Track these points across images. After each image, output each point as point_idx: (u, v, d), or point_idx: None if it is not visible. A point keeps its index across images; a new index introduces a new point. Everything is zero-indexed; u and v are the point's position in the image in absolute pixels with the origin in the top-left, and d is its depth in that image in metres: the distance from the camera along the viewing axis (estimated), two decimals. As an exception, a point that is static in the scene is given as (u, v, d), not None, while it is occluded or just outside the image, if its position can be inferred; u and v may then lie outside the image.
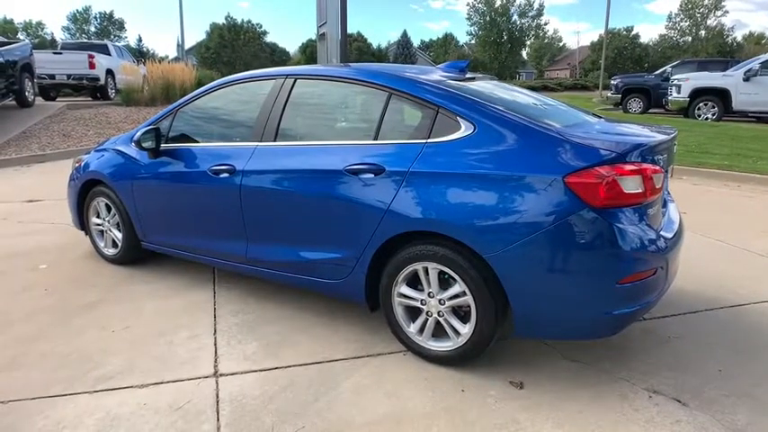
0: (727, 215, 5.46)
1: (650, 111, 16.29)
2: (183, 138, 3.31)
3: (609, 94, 18.35)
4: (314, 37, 61.71)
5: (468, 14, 56.65)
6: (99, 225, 3.86)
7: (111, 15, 55.41)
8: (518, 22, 55.19)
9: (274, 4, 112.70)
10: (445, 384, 2.38)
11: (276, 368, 2.50)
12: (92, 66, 13.57)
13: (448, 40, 68.82)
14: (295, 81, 2.91)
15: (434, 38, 74.83)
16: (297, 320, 2.98)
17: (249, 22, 51.60)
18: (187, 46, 54.47)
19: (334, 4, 12.09)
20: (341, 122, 2.89)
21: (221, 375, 2.44)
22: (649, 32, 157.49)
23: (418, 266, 2.44)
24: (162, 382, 2.39)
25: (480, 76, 3.12)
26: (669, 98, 14.71)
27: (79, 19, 53.53)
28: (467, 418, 2.15)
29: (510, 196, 2.20)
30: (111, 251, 3.83)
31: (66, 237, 4.38)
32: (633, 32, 58.84)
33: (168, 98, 14.40)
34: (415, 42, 68.46)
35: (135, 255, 3.72)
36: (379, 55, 58.22)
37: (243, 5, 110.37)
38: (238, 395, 2.29)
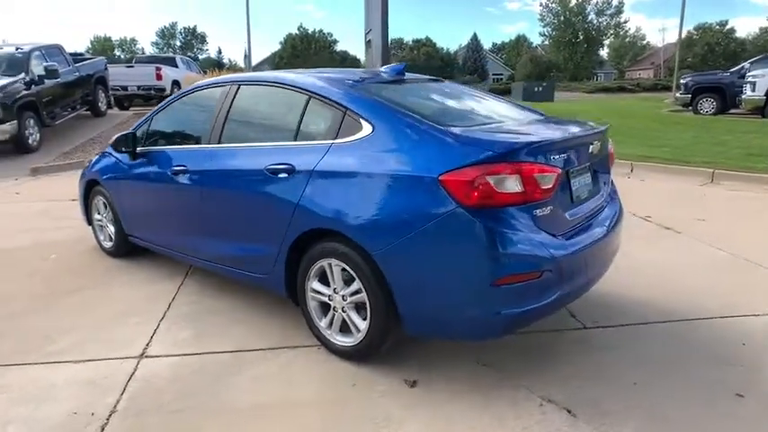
0: (749, 223, 5.01)
1: (729, 112, 14.96)
2: (156, 141, 3.62)
3: (677, 95, 17.15)
4: (384, 44, 62.76)
5: (540, 15, 55.00)
6: (99, 221, 4.28)
7: (194, 30, 59.74)
8: (595, 21, 52.82)
9: (346, 13, 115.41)
10: (340, 377, 2.45)
11: (195, 354, 2.69)
12: (159, 77, 14.74)
13: (520, 41, 67.18)
14: (239, 87, 3.11)
15: (508, 40, 73.30)
16: (240, 312, 3.17)
17: (321, 31, 53.39)
18: (263, 56, 57.38)
19: (377, 11, 12.33)
20: (270, 125, 3.04)
21: (146, 357, 2.67)
22: (748, 26, 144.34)
23: (325, 263, 2.54)
24: (95, 360, 2.65)
25: (416, 77, 3.17)
26: (743, 97, 13.54)
27: (166, 34, 58.16)
28: (344, 410, 2.22)
29: (393, 195, 2.25)
30: (108, 244, 4.24)
31: (85, 232, 4.87)
32: (728, 26, 54.42)
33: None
34: (487, 45, 67.62)
35: (127, 248, 4.08)
36: (447, 59, 58.00)
37: (317, 16, 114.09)
38: (150, 375, 2.50)
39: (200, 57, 58.68)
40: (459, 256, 2.14)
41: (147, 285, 3.63)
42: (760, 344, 2.71)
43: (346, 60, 64.26)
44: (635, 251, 4.19)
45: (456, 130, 2.30)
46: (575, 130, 2.59)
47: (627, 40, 63.80)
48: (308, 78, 2.83)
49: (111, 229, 4.13)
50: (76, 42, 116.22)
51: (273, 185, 2.67)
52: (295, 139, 2.72)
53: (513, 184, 2.10)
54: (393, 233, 2.23)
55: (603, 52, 60.99)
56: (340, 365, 2.55)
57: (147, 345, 2.79)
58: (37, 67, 9.80)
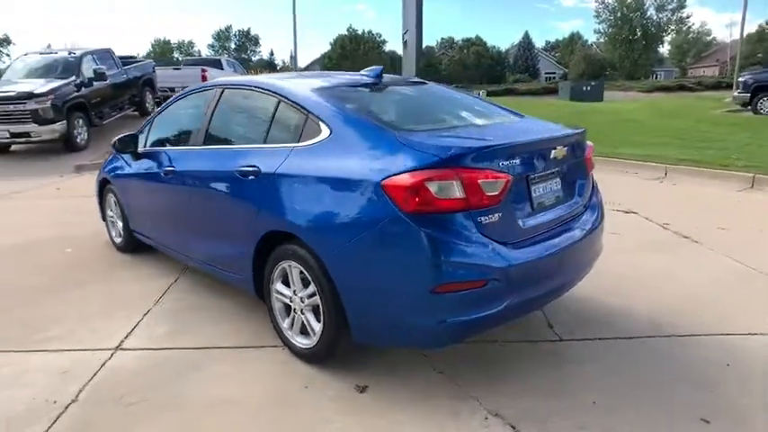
0: (781, 234, 4.65)
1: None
2: (154, 142, 3.77)
3: (735, 93, 16.08)
4: (432, 44, 62.28)
5: (596, 11, 53.05)
6: (111, 217, 4.51)
7: (248, 32, 61.56)
8: (655, 17, 50.39)
9: (398, 13, 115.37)
10: (294, 379, 2.47)
11: (166, 348, 2.79)
12: (203, 79, 15.21)
13: (574, 39, 65.02)
14: (222, 91, 3.19)
15: (561, 38, 71.14)
16: (220, 310, 3.24)
17: (370, 32, 53.70)
18: (313, 57, 58.43)
19: (412, 13, 12.33)
20: (246, 127, 3.10)
21: (119, 350, 2.79)
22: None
23: (285, 265, 2.56)
24: (73, 350, 2.79)
25: (395, 80, 3.15)
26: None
27: (222, 37, 60.31)
28: (286, 412, 2.24)
29: (341, 199, 2.25)
30: (118, 240, 4.45)
31: (103, 228, 5.12)
32: (804, 20, 50.49)
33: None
34: (540, 43, 65.95)
35: (134, 243, 4.27)
36: (497, 58, 56.99)
37: (369, 16, 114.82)
38: (118, 367, 2.61)
39: (254, 58, 60.54)
40: (400, 262, 2.10)
41: (145, 281, 3.78)
42: (746, 366, 2.51)
43: (395, 61, 64.40)
44: (642, 260, 4.00)
45: (406, 135, 2.26)
46: (537, 134, 2.49)
47: (690, 36, 60.39)
48: (280, 82, 2.87)
49: (120, 225, 4.33)
50: (140, 45, 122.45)
51: (243, 187, 2.72)
52: (265, 142, 2.76)
53: (453, 191, 2.05)
54: (340, 237, 2.23)
55: (663, 49, 58.17)
56: (299, 367, 2.57)
57: (125, 338, 2.91)
58: (87, 71, 10.43)
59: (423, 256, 2.04)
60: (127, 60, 13.07)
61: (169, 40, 59.60)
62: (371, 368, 2.54)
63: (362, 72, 3.19)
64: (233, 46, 61.00)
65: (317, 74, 3.24)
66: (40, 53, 11.06)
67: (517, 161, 2.24)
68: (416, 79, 3.38)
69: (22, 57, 11.15)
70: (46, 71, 10.37)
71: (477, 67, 55.11)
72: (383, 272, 2.15)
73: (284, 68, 44.98)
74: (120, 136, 3.81)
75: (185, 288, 3.63)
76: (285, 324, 2.67)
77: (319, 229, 2.30)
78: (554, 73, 57.07)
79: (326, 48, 56.17)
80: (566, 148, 2.48)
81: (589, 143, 2.86)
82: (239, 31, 61.66)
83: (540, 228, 2.37)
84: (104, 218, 4.66)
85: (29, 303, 3.42)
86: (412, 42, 12.69)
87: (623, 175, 7.55)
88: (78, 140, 9.98)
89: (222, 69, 16.95)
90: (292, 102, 2.66)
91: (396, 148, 2.19)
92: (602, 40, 55.03)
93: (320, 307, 2.39)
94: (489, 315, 2.12)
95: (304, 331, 2.59)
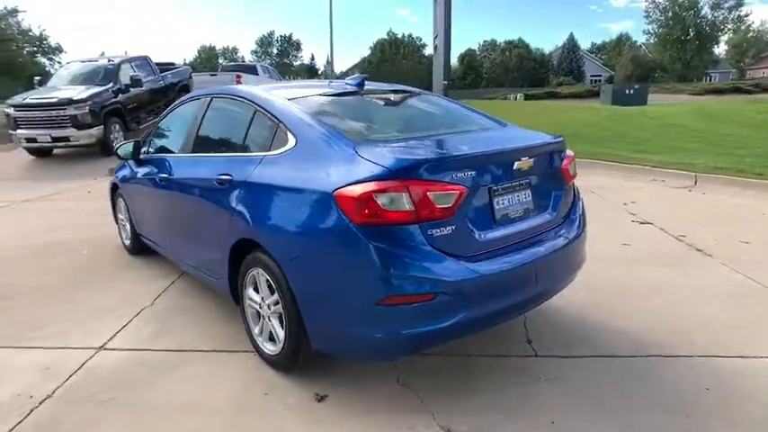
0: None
1: None
2: (155, 149, 3.91)
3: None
4: (473, 47, 61.69)
5: (645, 11, 51.20)
6: (122, 220, 4.70)
7: (289, 38, 62.78)
8: (709, 16, 48.15)
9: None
10: (257, 386, 2.50)
11: (146, 350, 2.88)
12: (238, 84, 15.70)
13: (622, 41, 62.93)
14: (211, 100, 3.28)
15: (609, 39, 69.02)
16: (207, 313, 3.33)
17: (410, 35, 53.76)
18: (353, 62, 58.99)
19: (441, 17, 12.27)
20: (227, 136, 3.16)
21: (103, 349, 2.90)
22: None
23: (254, 272, 2.60)
24: (60, 348, 2.93)
25: (377, 89, 3.15)
26: None
27: (264, 42, 61.75)
28: (241, 418, 2.27)
29: (299, 208, 2.27)
30: (127, 242, 4.63)
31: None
32: None
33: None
34: (586, 45, 64.26)
35: (140, 245, 4.43)
36: (540, 60, 55.93)
37: (412, 20, 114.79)
38: (97, 366, 2.72)
39: (295, 63, 61.62)
40: (350, 273, 2.11)
41: (145, 282, 3.92)
42: (726, 391, 2.36)
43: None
44: (645, 274, 3.83)
45: (366, 146, 2.26)
46: (498, 145, 2.43)
47: (750, 35, 57.32)
48: (259, 91, 2.92)
49: (128, 228, 4.51)
50: (187, 51, 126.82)
51: (219, 195, 2.78)
52: (243, 151, 2.82)
53: (403, 203, 2.03)
54: (297, 246, 2.25)
55: (719, 50, 55.42)
56: (265, 374, 2.60)
57: (111, 338, 3.02)
58: (124, 77, 10.91)
59: (371, 268, 2.03)
60: (165, 67, 13.60)
61: (214, 47, 61.62)
62: (335, 377, 2.54)
63: (347, 80, 3.20)
64: (275, 51, 62.41)
65: (301, 83, 3.28)
66: (82, 61, 11.65)
67: (474, 172, 2.20)
68: (401, 88, 3.36)
69: (66, 65, 11.78)
70: (87, 78, 10.90)
71: (518, 70, 54.22)
72: (335, 282, 2.16)
73: (324, 74, 45.60)
74: (122, 143, 3.98)
75: (179, 291, 3.74)
76: (256, 330, 2.71)
77: (279, 237, 2.33)
78: (600, 76, 55.44)
79: (367, 52, 56.55)
80: (532, 159, 2.40)
81: (569, 152, 2.77)
82: (281, 36, 63.10)
83: (504, 240, 2.31)
84: (116, 221, 4.87)
85: (30, 303, 3.60)
86: (440, 47, 12.63)
87: (651, 183, 7.26)
88: (114, 144, 10.43)
89: (257, 75, 17.36)
90: (266, 111, 2.71)
91: (351, 158, 2.19)
92: (651, 40, 53.07)
93: (284, 314, 2.42)
94: (441, 329, 2.09)
95: (272, 338, 2.62)
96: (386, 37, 53.07)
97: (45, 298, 3.69)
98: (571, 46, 56.89)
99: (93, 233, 5.31)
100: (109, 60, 11.37)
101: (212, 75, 16.54)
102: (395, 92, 3.23)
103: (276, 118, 2.62)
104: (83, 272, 4.21)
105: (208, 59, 50.92)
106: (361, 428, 2.18)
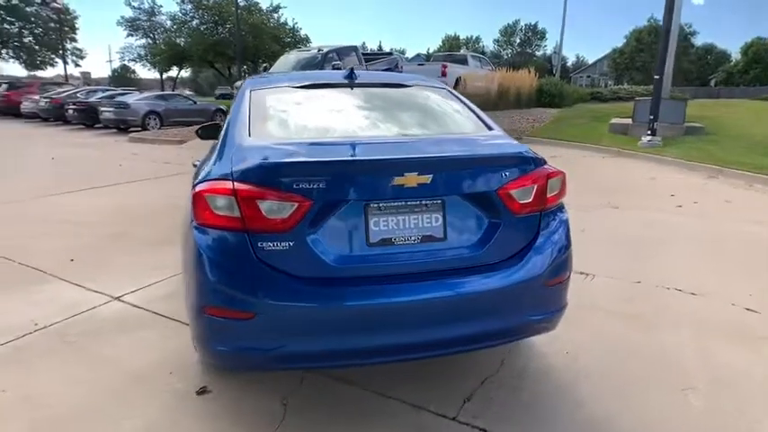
0: None
1: None
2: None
3: None
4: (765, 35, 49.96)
5: None
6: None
7: (534, 26, 60.14)
8: None
9: (729, 3, 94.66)
10: (167, 366, 2.58)
11: (144, 310, 3.21)
12: (443, 74, 15.92)
13: None
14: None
15: None
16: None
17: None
18: (602, 53, 53.94)
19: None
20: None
21: (117, 300, 3.36)
22: None
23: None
24: (87, 288, 3.49)
25: (367, 82, 2.87)
26: None
27: (508, 32, 60.36)
28: (133, 387, 2.40)
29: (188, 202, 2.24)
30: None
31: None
32: None
33: (505, 101, 15.84)
34: None
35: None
36: None
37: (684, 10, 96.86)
38: (97, 312, 3.17)
39: (537, 53, 59.04)
40: (188, 275, 2.03)
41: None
42: None
43: (710, 54, 55.04)
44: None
45: (257, 143, 2.11)
46: (387, 154, 1.96)
47: None
48: (244, 84, 2.93)
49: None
50: (432, 40, 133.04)
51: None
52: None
53: (233, 209, 1.83)
54: (181, 240, 2.25)
55: None
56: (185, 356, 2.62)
57: (132, 292, 3.48)
58: (327, 66, 12.14)
59: (197, 272, 1.91)
60: (373, 56, 14.64)
61: (458, 36, 62.83)
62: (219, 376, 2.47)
63: (340, 72, 2.99)
64: (518, 41, 60.88)
65: (290, 75, 3.14)
66: (299, 50, 13.38)
67: (332, 184, 1.83)
68: (398, 81, 2.92)
69: (286, 54, 13.67)
70: (305, 65, 12.50)
71: None
72: (186, 283, 2.11)
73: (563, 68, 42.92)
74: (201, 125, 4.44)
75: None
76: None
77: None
78: None
79: (620, 42, 51.05)
80: (430, 176, 1.87)
81: (549, 168, 2.09)
82: (526, 25, 61.02)
83: (377, 269, 1.89)
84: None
85: (97, 248, 4.37)
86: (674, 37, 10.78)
87: None
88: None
89: (467, 65, 17.32)
90: (234, 101, 2.73)
91: (226, 155, 2.08)
92: None
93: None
94: (260, 353, 1.87)
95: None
96: (646, 24, 46.98)
97: (111, 244, 4.45)
98: None
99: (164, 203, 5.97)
100: (319, 50, 12.79)
101: (420, 65, 17.08)
102: (385, 85, 2.87)
103: (230, 109, 2.62)
104: (161, 231, 4.75)
105: (450, 48, 52.29)
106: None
